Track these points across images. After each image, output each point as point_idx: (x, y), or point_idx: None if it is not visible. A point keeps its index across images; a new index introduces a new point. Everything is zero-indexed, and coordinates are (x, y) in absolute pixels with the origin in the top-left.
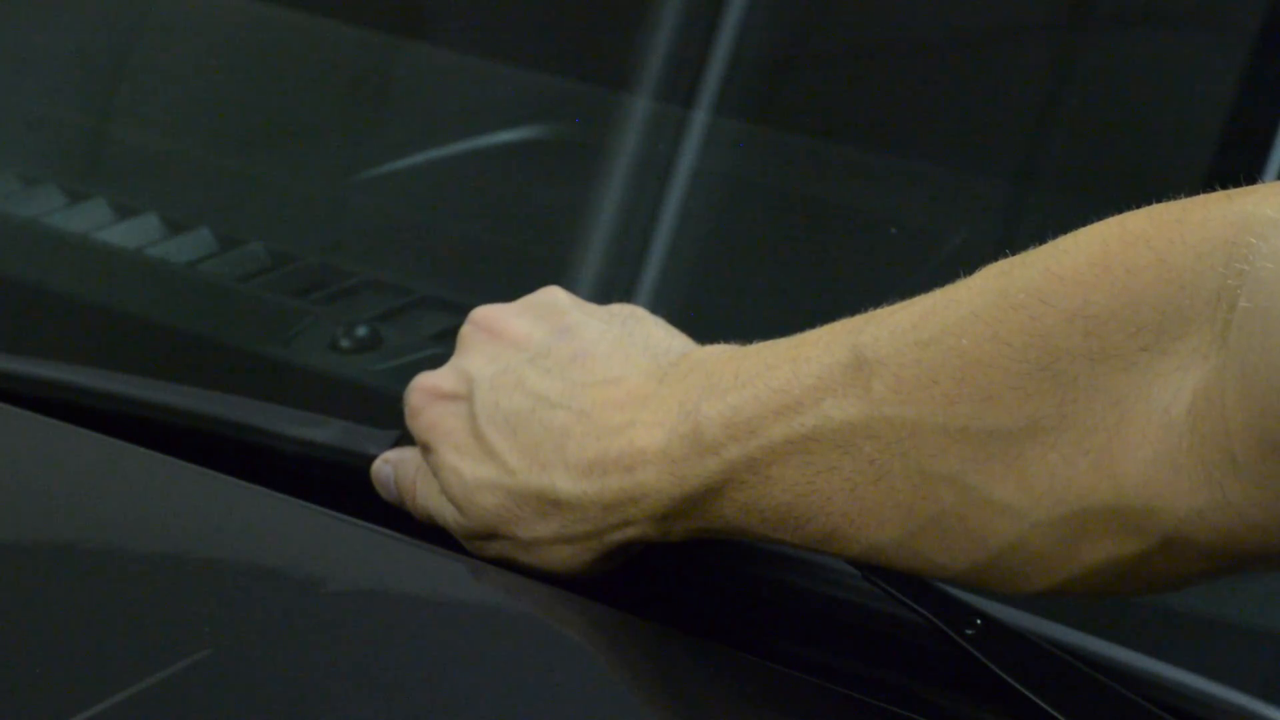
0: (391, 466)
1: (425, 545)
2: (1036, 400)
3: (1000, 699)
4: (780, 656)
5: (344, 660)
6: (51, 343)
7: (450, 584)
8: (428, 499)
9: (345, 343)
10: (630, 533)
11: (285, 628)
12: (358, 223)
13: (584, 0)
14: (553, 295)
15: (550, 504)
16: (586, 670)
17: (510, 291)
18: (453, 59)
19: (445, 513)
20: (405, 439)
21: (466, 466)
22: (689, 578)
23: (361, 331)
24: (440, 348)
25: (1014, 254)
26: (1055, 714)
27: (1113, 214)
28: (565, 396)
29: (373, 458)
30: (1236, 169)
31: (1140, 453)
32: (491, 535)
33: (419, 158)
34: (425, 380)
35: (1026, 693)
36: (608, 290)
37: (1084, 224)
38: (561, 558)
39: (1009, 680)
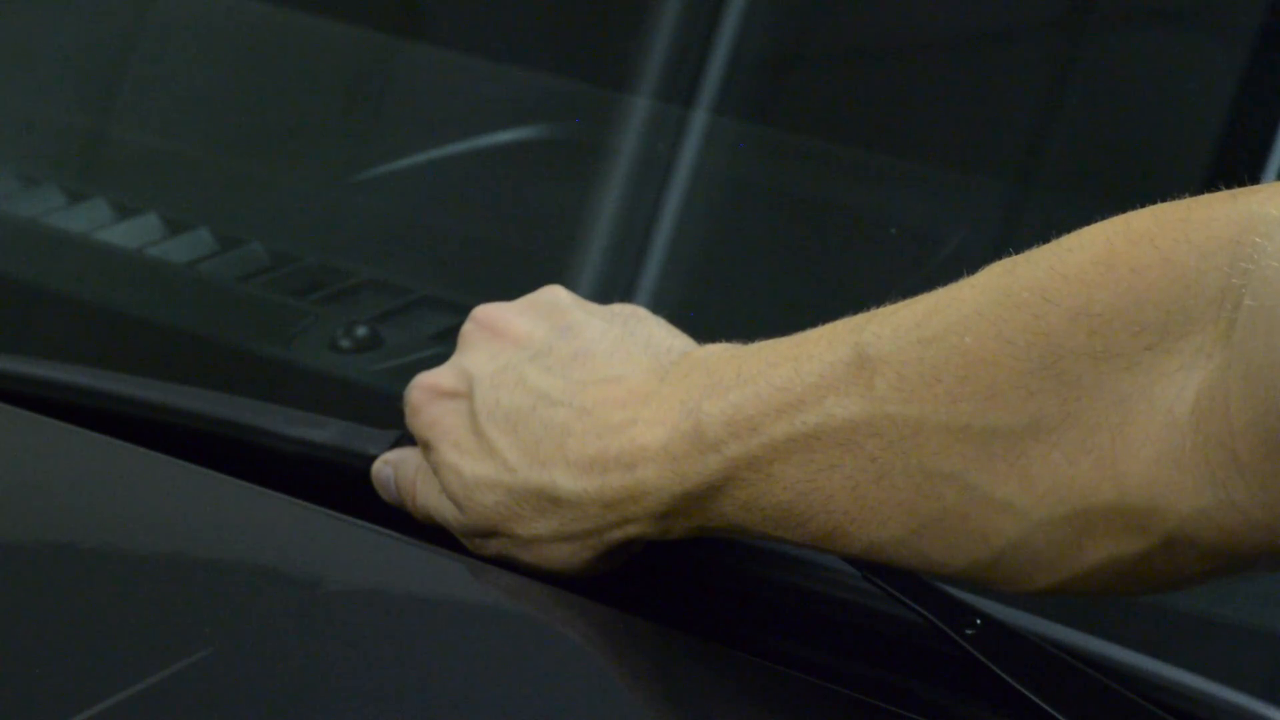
0: (391, 467)
1: (425, 545)
2: (1039, 399)
3: (1000, 699)
4: (780, 656)
5: (344, 660)
6: (51, 343)
7: (450, 584)
8: (428, 497)
9: (345, 343)
10: (630, 531)
11: (285, 628)
12: (357, 223)
13: (584, 0)
14: (554, 294)
15: (550, 501)
16: (586, 670)
17: (510, 291)
18: (452, 59)
19: (445, 511)
20: (405, 439)
21: (466, 464)
22: (689, 577)
23: (361, 331)
24: (440, 347)
25: (1016, 253)
26: (1055, 714)
27: (1113, 214)
28: (566, 394)
29: (373, 458)
30: (1237, 169)
31: (1143, 452)
32: (491, 533)
33: (419, 158)
34: (426, 378)
35: (1026, 693)
36: (608, 290)
37: (1084, 224)
38: (561, 555)
39: (1009, 680)
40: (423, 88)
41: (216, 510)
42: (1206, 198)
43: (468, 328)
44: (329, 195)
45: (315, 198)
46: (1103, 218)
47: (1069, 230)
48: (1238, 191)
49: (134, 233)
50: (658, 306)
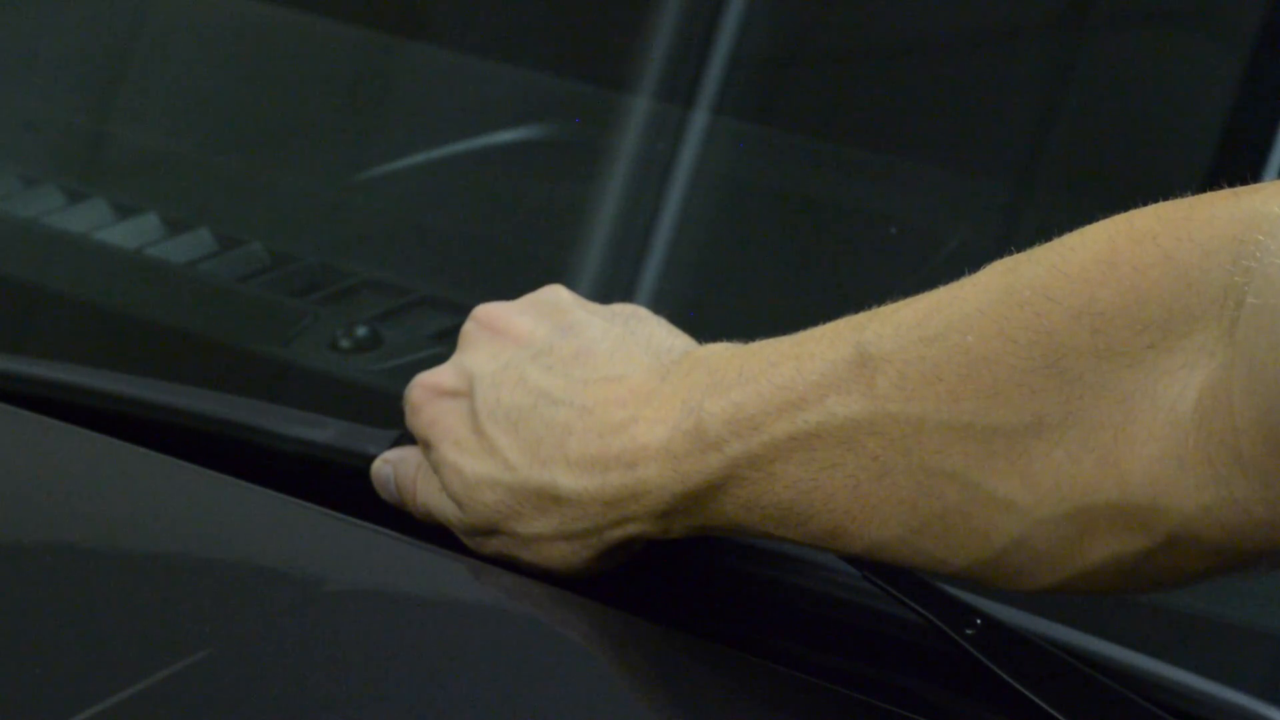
0: (391, 466)
1: (425, 545)
2: (1042, 397)
3: (1000, 699)
4: (780, 656)
5: (344, 660)
6: (51, 343)
7: (450, 584)
8: (428, 496)
9: (345, 343)
10: (631, 530)
11: (285, 627)
12: (358, 223)
13: (584, 0)
14: (555, 293)
15: (551, 500)
16: (586, 670)
17: (511, 291)
18: (453, 59)
19: (446, 510)
20: (405, 438)
21: (467, 463)
22: (689, 577)
23: (361, 331)
24: (440, 347)
25: (1017, 252)
26: (1055, 714)
27: (1113, 214)
28: (567, 393)
29: (373, 457)
30: (1237, 169)
31: (1146, 450)
32: (492, 531)
33: (419, 157)
34: (426, 378)
35: (1026, 693)
36: (608, 290)
37: (1085, 223)
38: (561, 554)
39: (1009, 680)
40: (423, 87)
41: (216, 510)
42: (1209, 196)
43: (468, 327)
44: (329, 195)
45: (315, 198)
46: (1103, 217)
47: (1070, 230)
48: (1240, 190)
49: (134, 233)
50: (658, 306)
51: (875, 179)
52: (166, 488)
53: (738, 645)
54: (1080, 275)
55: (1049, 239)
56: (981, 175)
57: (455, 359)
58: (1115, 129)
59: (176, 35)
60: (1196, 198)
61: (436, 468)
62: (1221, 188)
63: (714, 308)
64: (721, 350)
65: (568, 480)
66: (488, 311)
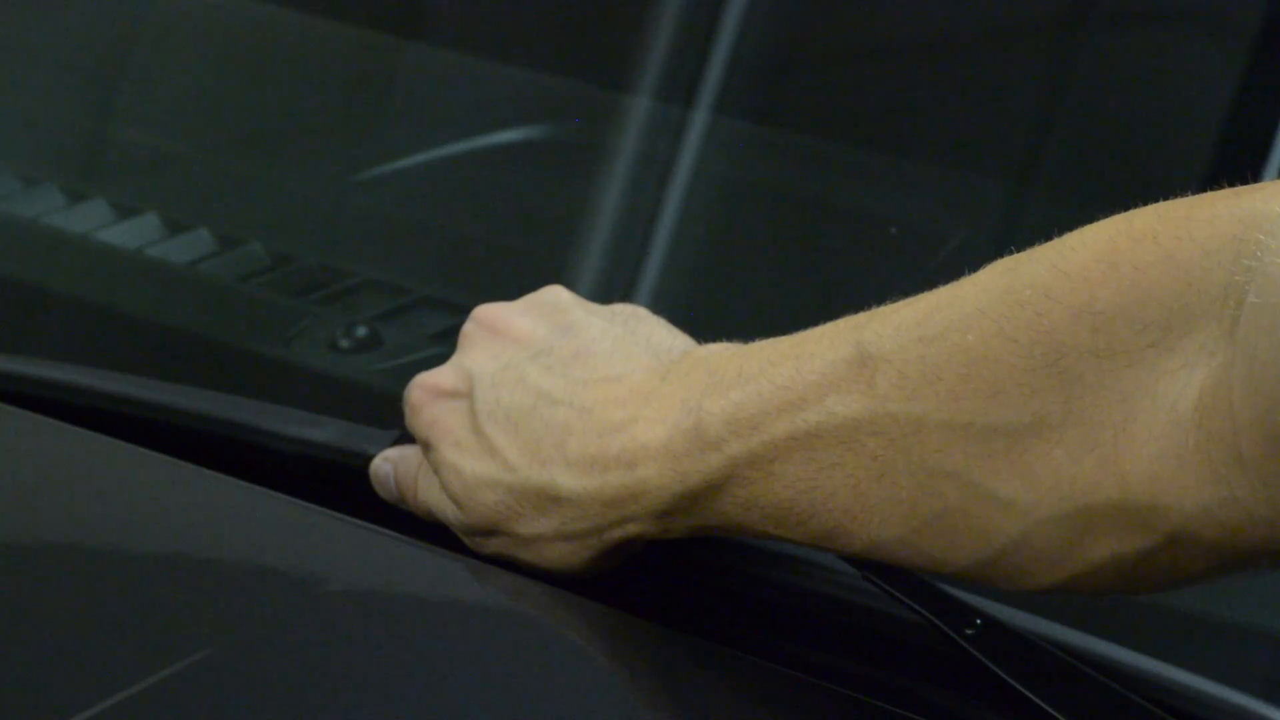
0: (391, 465)
1: (425, 545)
2: (1042, 397)
3: (1000, 699)
4: (780, 656)
5: (344, 660)
6: (51, 343)
7: (450, 584)
8: (428, 496)
9: (345, 343)
10: (631, 530)
11: (284, 628)
12: (357, 223)
13: (584, 0)
14: (555, 294)
15: (551, 500)
16: (587, 671)
17: (511, 291)
18: (452, 59)
19: (446, 510)
20: (405, 438)
21: (467, 463)
22: (689, 577)
23: (361, 331)
24: (440, 348)
25: (1017, 252)
26: (1055, 714)
27: (1113, 214)
28: (567, 393)
29: (372, 457)
30: (1237, 169)
31: (1146, 449)
32: (492, 532)
33: (418, 158)
34: (426, 378)
35: (1026, 693)
36: (608, 290)
37: (1085, 223)
38: (561, 555)
39: (1009, 680)
40: (422, 88)
41: (215, 510)
42: (1209, 195)
43: (468, 327)
44: (329, 195)
45: (315, 198)
46: (1103, 217)
47: (1070, 229)
48: (1240, 189)
49: (133, 233)
50: (658, 307)
51: (875, 179)
52: (166, 488)
53: (737, 645)
54: (1080, 274)
55: (1049, 239)
56: (981, 175)
57: (455, 359)
58: (1115, 129)
59: (177, 35)
60: (1197, 197)
61: (436, 468)
62: (1221, 188)
63: (714, 308)
64: (721, 350)
65: (568, 480)
66: (487, 312)
